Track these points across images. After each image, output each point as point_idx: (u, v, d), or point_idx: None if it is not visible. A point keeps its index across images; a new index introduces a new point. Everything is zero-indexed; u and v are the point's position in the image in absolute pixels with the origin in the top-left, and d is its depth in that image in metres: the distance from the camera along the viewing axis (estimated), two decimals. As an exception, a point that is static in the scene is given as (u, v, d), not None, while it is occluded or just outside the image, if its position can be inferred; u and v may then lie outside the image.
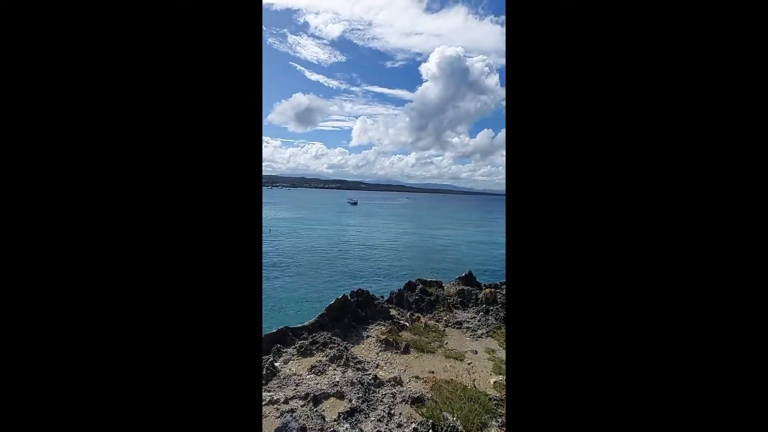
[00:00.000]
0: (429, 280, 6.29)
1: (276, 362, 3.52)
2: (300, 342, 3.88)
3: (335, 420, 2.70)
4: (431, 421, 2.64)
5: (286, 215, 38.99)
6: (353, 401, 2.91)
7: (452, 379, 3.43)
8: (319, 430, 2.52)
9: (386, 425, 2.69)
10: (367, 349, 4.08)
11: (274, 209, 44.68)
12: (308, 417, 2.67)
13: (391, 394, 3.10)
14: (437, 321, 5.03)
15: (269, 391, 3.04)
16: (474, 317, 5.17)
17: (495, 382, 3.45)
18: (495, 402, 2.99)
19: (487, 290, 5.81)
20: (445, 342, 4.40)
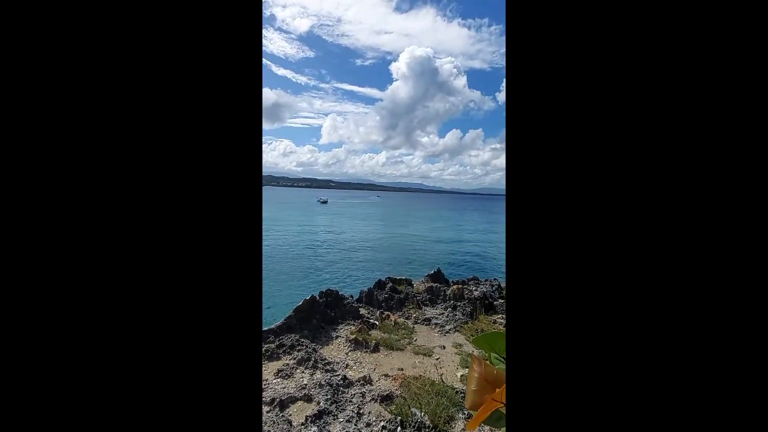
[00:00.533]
0: (399, 278, 6.34)
1: (240, 368, 3.38)
2: (266, 346, 3.75)
3: (302, 424, 2.64)
4: (399, 417, 2.66)
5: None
6: (321, 403, 2.86)
7: (421, 375, 3.48)
8: (285, 435, 2.45)
9: (355, 425, 2.67)
10: (336, 350, 4.04)
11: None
12: (273, 423, 2.59)
13: (361, 393, 3.08)
14: (407, 318, 5.09)
15: (232, 399, 2.91)
16: (442, 313, 5.29)
17: (462, 376, 3.56)
18: (462, 395, 3.07)
19: (455, 287, 5.97)
20: (415, 339, 4.46)
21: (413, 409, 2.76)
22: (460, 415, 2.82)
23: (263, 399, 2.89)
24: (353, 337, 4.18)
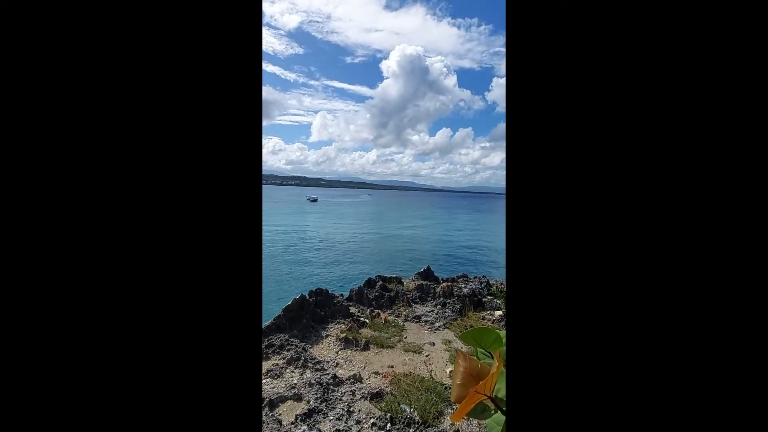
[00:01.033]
0: (389, 276, 6.37)
1: (228, 369, 3.35)
2: (255, 346, 3.73)
3: (292, 423, 2.64)
4: (389, 414, 2.69)
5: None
6: (311, 402, 2.87)
7: (411, 372, 3.52)
8: (274, 435, 2.45)
9: (345, 423, 2.69)
10: (326, 349, 4.04)
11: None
12: (263, 423, 2.58)
13: (351, 391, 3.10)
14: (397, 316, 5.12)
15: (221, 400, 2.88)
16: (432, 311, 5.34)
17: (451, 372, 3.61)
18: (450, 390, 3.12)
19: (444, 284, 6.02)
20: (405, 336, 4.50)
21: (403, 406, 2.79)
22: (449, 410, 2.86)
23: (252, 399, 2.87)
24: (343, 335, 4.19)
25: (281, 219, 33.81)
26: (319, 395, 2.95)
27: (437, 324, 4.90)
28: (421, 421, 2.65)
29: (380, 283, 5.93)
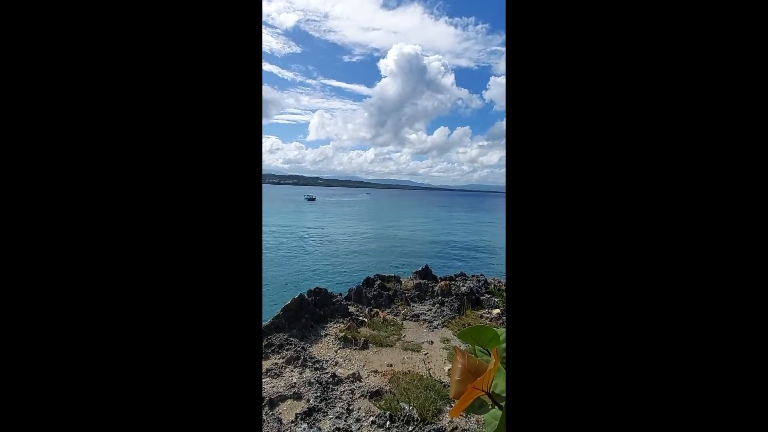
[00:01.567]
0: (387, 275, 6.39)
1: (228, 369, 3.36)
2: (254, 346, 3.74)
3: (292, 421, 2.66)
4: (388, 412, 2.71)
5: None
6: (311, 401, 2.89)
7: (409, 371, 3.54)
8: (275, 433, 2.47)
9: (345, 421, 2.71)
10: (325, 348, 4.05)
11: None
12: (264, 422, 2.60)
13: (350, 390, 3.12)
14: (395, 315, 5.15)
15: (221, 400, 2.90)
16: (430, 309, 5.37)
17: (449, 370, 3.64)
18: (449, 388, 3.15)
19: (443, 283, 6.05)
20: (403, 335, 4.52)
21: (402, 404, 2.82)
22: (448, 408, 2.89)
23: (252, 399, 2.89)
24: (342, 334, 4.21)
25: (278, 219, 33.76)
26: (318, 394, 2.97)
27: (435, 322, 4.93)
28: (420, 418, 2.68)
29: (379, 282, 5.95)
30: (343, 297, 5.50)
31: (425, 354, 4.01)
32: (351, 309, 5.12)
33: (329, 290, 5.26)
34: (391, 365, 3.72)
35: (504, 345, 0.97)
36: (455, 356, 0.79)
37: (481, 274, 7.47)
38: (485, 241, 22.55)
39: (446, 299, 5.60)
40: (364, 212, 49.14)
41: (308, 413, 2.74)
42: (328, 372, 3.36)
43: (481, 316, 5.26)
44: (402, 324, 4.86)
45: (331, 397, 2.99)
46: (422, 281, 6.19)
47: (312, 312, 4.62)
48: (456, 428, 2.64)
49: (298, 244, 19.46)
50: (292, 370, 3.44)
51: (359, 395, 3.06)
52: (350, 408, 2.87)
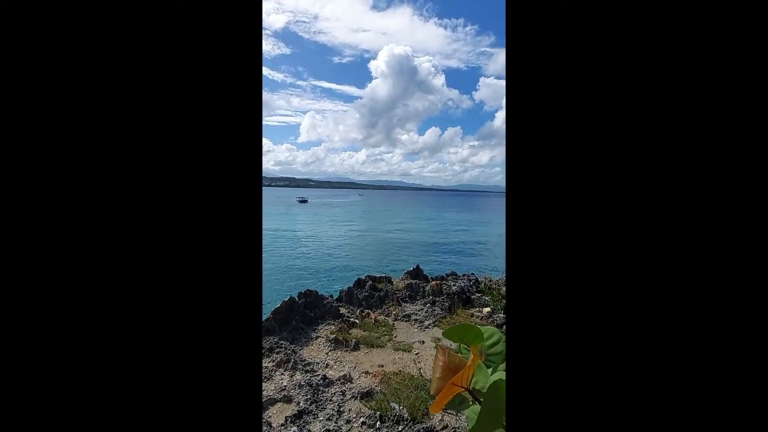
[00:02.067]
0: (378, 276, 6.40)
1: (217, 373, 3.32)
2: (244, 349, 3.70)
3: (282, 425, 2.65)
4: (378, 413, 2.72)
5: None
6: (301, 404, 2.87)
7: (400, 371, 3.55)
8: (264, 437, 2.45)
9: (335, 423, 2.70)
10: (316, 350, 4.04)
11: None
12: (253, 426, 2.57)
13: (341, 392, 3.12)
14: (387, 316, 5.15)
15: (209, 405, 2.86)
16: (421, 309, 5.40)
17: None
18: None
19: (434, 282, 6.09)
20: (395, 335, 4.53)
21: (392, 404, 2.83)
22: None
23: (241, 403, 2.86)
24: (333, 336, 4.20)
25: (269, 221, 33.44)
26: (309, 396, 2.96)
27: (427, 322, 4.95)
28: (410, 417, 2.69)
29: (370, 283, 5.95)
30: (334, 299, 5.48)
31: (416, 354, 4.02)
32: (342, 310, 5.11)
33: (320, 292, 5.24)
34: (382, 366, 3.73)
35: (488, 342, 0.99)
36: (437, 354, 0.80)
37: (472, 273, 7.54)
38: (476, 241, 22.74)
39: (437, 299, 5.63)
40: (356, 213, 49.05)
41: (298, 416, 2.72)
42: (319, 374, 3.35)
43: (472, 315, 5.30)
44: (393, 324, 4.87)
45: (321, 399, 2.98)
46: (413, 281, 6.22)
47: (302, 314, 4.60)
48: (446, 426, 2.66)
49: (289, 246, 19.32)
50: (282, 374, 3.41)
51: (350, 396, 3.06)
52: (341, 409, 2.86)
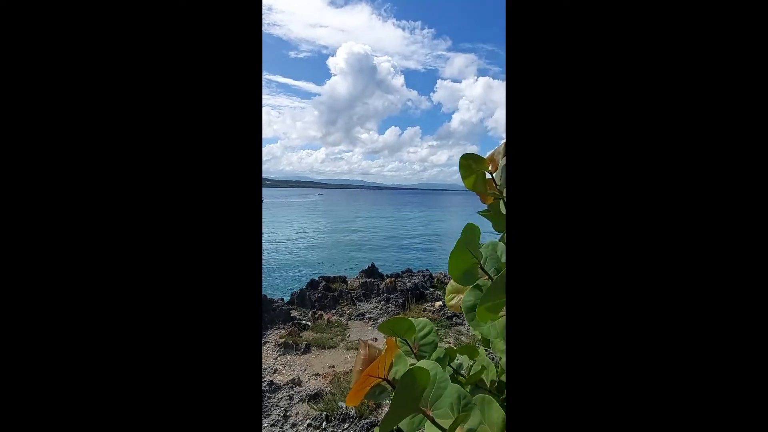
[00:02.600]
0: (332, 276, 6.35)
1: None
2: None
3: (222, 437, 2.53)
4: (325, 413, 2.71)
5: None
6: (244, 413, 2.77)
7: (351, 370, 3.57)
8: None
9: (280, 428, 2.65)
10: (264, 356, 3.91)
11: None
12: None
13: (288, 396, 3.05)
14: (340, 316, 5.14)
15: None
16: (376, 307, 5.46)
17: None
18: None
19: (388, 280, 6.19)
20: (348, 335, 4.54)
21: (341, 403, 2.83)
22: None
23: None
24: (282, 340, 4.09)
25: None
26: (253, 404, 2.86)
27: (381, 320, 5.02)
28: (357, 415, 2.72)
29: (323, 283, 5.89)
30: (285, 302, 5.34)
31: (368, 351, 4.07)
32: (294, 313, 5.00)
33: (269, 296, 5.08)
34: (333, 366, 3.72)
35: (420, 334, 1.03)
36: (359, 348, 0.82)
37: (427, 270, 7.78)
38: (433, 237, 23.48)
39: (391, 296, 5.73)
40: (316, 213, 48.08)
41: (240, 426, 2.62)
42: (265, 380, 3.25)
43: (425, 310, 5.48)
44: (347, 324, 4.87)
45: (267, 406, 2.90)
46: (368, 280, 6.26)
47: (251, 320, 4.42)
48: (392, 420, 2.73)
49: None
50: (225, 383, 3.26)
51: (298, 400, 3.01)
52: (287, 414, 2.81)
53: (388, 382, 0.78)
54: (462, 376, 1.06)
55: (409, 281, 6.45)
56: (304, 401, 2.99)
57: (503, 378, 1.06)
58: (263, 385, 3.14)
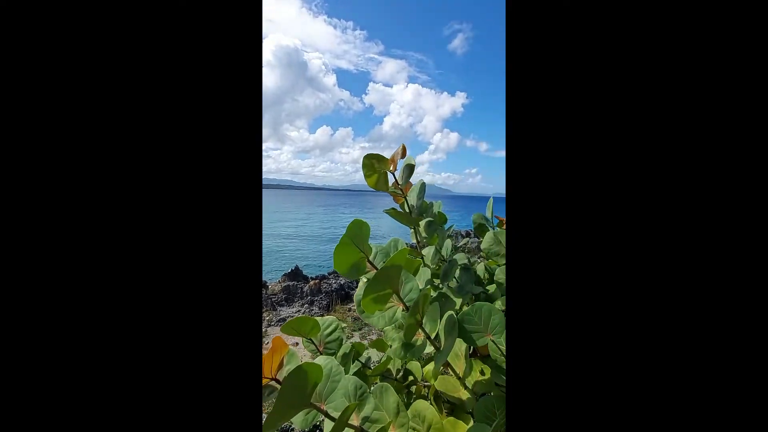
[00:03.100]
0: (252, 281, 5.96)
1: None
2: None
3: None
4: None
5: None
6: None
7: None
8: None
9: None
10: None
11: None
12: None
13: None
14: (259, 322, 4.85)
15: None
16: (299, 311, 5.29)
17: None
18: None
19: (312, 282, 6.06)
20: (266, 342, 4.30)
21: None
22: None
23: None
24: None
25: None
26: None
27: (303, 323, 4.88)
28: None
29: (241, 290, 5.48)
30: (196, 312, 4.82)
31: (287, 357, 3.92)
32: (204, 324, 4.54)
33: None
34: (248, 377, 3.49)
35: (325, 332, 1.02)
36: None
37: (353, 270, 7.80)
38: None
39: (316, 298, 5.62)
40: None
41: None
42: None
43: (349, 310, 5.50)
44: (266, 331, 4.61)
45: (163, 431, 2.57)
46: (291, 283, 6.04)
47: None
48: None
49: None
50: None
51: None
52: None
53: (277, 381, 0.76)
54: (369, 368, 1.09)
55: (335, 282, 6.41)
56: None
57: (408, 366, 1.12)
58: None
